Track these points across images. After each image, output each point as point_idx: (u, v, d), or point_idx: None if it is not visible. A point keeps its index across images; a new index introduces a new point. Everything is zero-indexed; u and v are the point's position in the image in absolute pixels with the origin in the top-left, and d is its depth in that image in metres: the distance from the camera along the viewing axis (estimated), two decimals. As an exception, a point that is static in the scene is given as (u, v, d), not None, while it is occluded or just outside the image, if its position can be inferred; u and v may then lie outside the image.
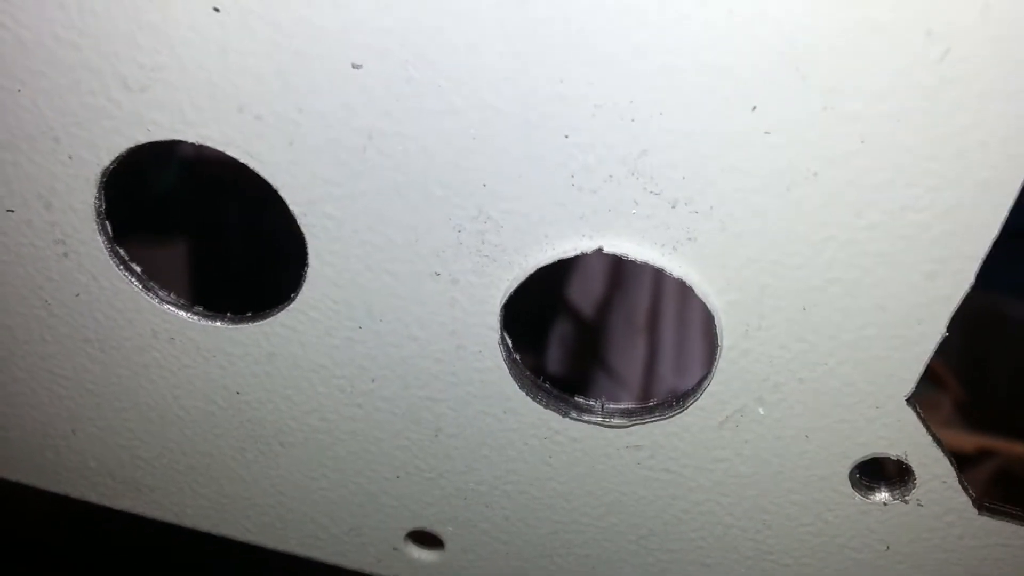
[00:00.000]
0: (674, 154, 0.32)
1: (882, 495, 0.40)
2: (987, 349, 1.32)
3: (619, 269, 1.24)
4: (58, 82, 0.36)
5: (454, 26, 0.31)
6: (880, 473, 0.41)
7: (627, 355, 1.22)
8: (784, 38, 0.29)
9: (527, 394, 0.41)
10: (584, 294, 1.26)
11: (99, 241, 0.41)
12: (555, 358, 1.33)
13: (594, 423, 0.41)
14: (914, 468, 0.39)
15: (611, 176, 0.33)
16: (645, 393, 1.23)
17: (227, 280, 1.25)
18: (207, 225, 1.33)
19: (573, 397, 0.42)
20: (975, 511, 0.40)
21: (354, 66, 0.33)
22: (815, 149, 0.31)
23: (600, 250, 0.35)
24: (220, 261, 1.31)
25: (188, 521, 0.56)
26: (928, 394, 1.25)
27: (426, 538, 0.52)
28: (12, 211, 0.41)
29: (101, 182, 0.39)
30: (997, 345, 1.32)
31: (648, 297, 1.21)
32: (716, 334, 0.36)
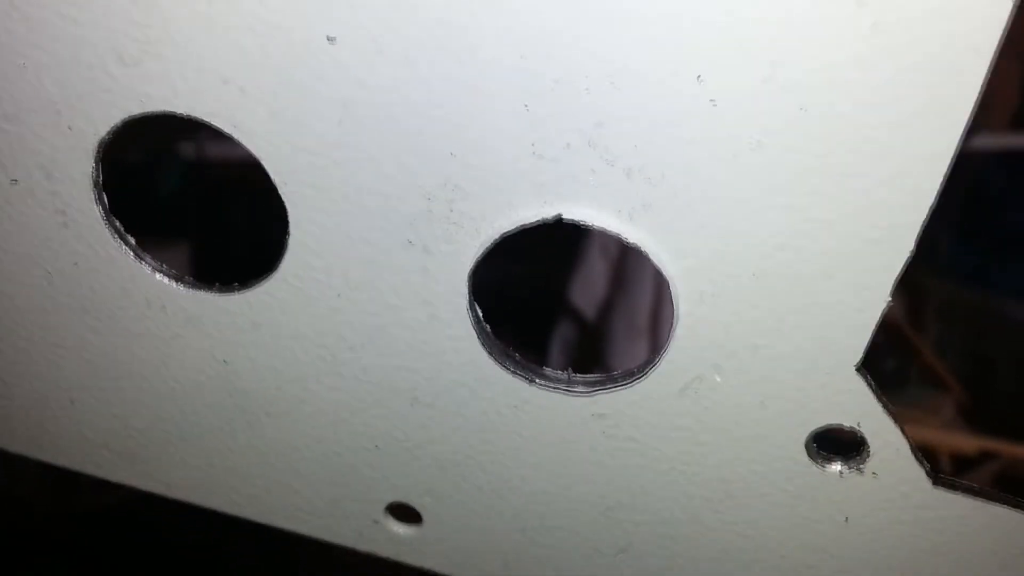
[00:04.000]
0: (626, 125, 0.34)
1: (837, 466, 0.41)
2: (989, 351, 1.31)
3: (621, 271, 1.26)
4: (60, 57, 0.39)
5: (422, 1, 0.33)
6: (838, 445, 0.42)
7: (629, 357, 1.23)
8: (724, 9, 0.30)
9: (496, 361, 0.42)
10: (586, 296, 1.28)
11: (96, 211, 0.44)
12: (557, 361, 1.34)
13: (559, 391, 0.42)
14: (867, 438, 0.40)
15: (569, 145, 0.35)
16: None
17: (224, 262, 1.27)
18: (203, 216, 1.36)
19: (542, 367, 0.43)
20: (930, 483, 0.41)
21: (329, 39, 0.35)
22: (758, 118, 0.32)
23: (560, 217, 0.37)
24: (216, 248, 1.34)
25: (179, 493, 0.58)
26: (930, 396, 1.25)
27: (405, 513, 0.53)
28: (16, 181, 0.44)
29: (98, 153, 0.42)
30: (999, 347, 1.31)
31: (650, 299, 1.22)
32: (673, 302, 0.38)
